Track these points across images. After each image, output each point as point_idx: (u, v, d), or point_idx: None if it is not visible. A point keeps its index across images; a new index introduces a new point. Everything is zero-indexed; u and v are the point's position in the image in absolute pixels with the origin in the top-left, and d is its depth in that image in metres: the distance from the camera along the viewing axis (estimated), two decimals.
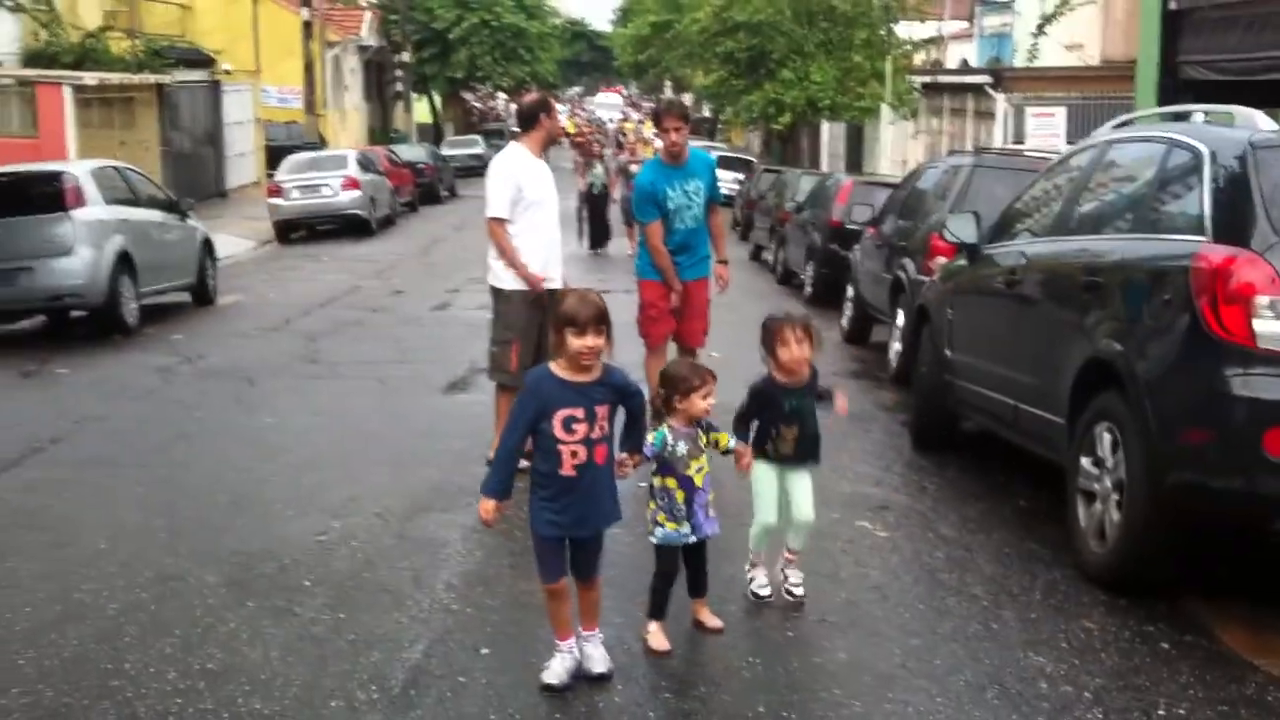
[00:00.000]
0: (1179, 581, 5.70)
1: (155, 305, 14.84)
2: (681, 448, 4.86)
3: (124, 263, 13.58)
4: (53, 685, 4.68)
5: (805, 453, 5.37)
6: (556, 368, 4.55)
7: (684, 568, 5.05)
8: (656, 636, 4.94)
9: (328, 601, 5.51)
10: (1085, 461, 6.02)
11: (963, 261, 8.27)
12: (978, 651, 5.02)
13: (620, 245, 21.45)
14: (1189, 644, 5.16)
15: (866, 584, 5.80)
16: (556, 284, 7.57)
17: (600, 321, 4.46)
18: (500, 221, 7.45)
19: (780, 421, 5.31)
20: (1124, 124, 7.34)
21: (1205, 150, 5.81)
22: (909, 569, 6.03)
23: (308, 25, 33.24)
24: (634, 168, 20.08)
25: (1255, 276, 5.19)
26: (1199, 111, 6.68)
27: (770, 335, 5.28)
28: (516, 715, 4.38)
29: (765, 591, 5.47)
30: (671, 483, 4.87)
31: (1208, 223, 5.55)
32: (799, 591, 5.45)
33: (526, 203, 7.48)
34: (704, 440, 4.93)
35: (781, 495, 5.37)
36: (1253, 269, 5.21)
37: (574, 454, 4.46)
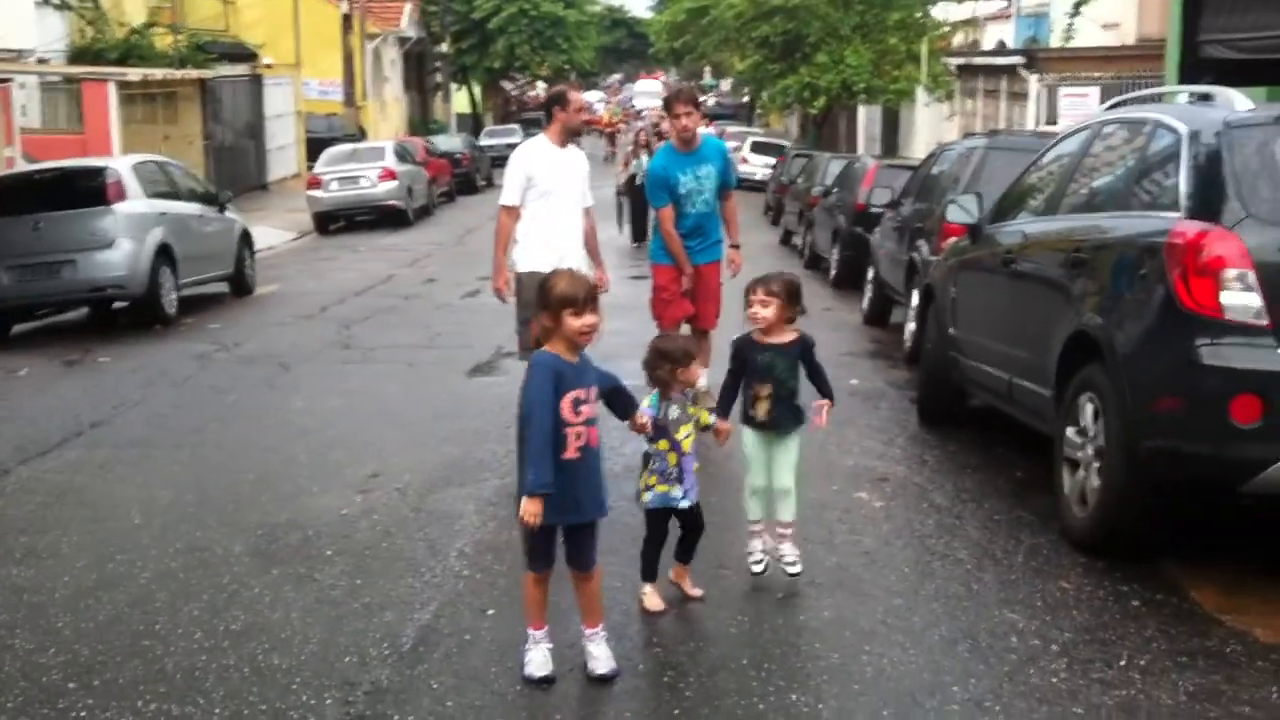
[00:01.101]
0: (1158, 545, 5.93)
1: (194, 295, 15.31)
2: (674, 411, 5.12)
3: (164, 254, 14.04)
4: (88, 645, 5.05)
5: (784, 416, 5.47)
6: (555, 349, 4.53)
7: (680, 531, 5.31)
8: (651, 598, 5.24)
9: (346, 569, 5.85)
10: (1070, 431, 6.26)
11: (967, 241, 8.51)
12: (955, 610, 5.30)
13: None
14: (1159, 602, 5.40)
15: (858, 550, 6.07)
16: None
17: (594, 299, 4.56)
18: (509, 209, 7.57)
19: (754, 378, 5.48)
20: (1116, 105, 7.55)
21: (1184, 130, 6.02)
22: (899, 535, 6.30)
23: (347, 18, 33.72)
24: None
25: (1225, 250, 5.41)
26: (1184, 92, 6.88)
27: (746, 294, 5.55)
28: (516, 669, 4.69)
29: (759, 568, 5.57)
30: (664, 445, 5.12)
31: (1183, 200, 5.77)
32: (794, 570, 5.53)
33: (539, 191, 7.54)
34: (691, 409, 5.21)
35: (768, 462, 5.61)
36: (1222, 243, 5.43)
37: (578, 436, 4.47)
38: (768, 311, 5.43)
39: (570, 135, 7.79)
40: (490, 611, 5.27)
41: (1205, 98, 6.50)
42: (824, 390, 5.58)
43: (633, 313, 10.02)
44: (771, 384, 5.46)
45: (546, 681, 4.57)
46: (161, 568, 5.94)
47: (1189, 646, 4.94)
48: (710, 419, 5.33)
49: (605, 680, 4.59)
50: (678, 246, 8.47)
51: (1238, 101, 6.10)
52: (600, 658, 4.64)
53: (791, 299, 5.48)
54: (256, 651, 4.92)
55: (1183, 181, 5.83)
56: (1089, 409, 6.06)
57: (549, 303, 4.52)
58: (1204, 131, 5.90)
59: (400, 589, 5.58)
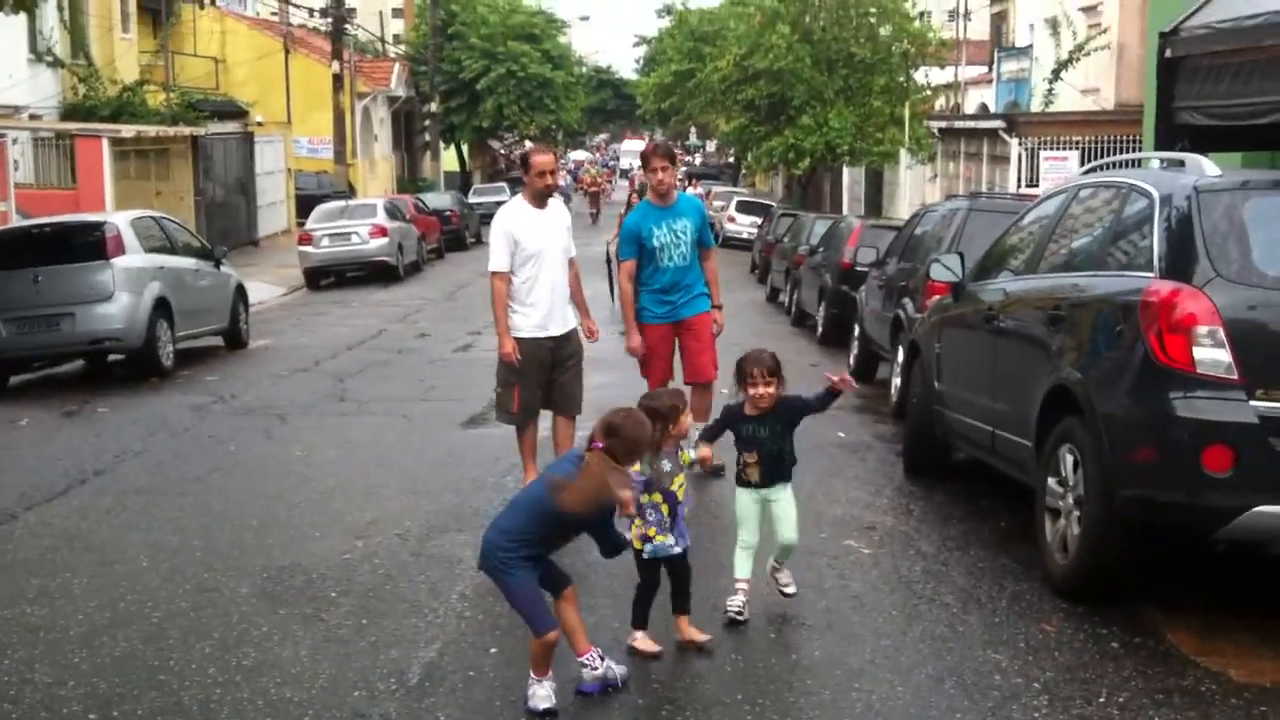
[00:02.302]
0: (1136, 590, 6.16)
1: (190, 348, 15.50)
2: (666, 465, 5.35)
3: (161, 308, 14.26)
4: (105, 679, 5.23)
5: (772, 474, 5.81)
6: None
7: (670, 582, 5.48)
8: (644, 641, 5.42)
9: (351, 610, 6.05)
10: (1051, 481, 6.50)
11: (950, 299, 8.78)
12: (941, 650, 5.51)
13: None
14: (1137, 644, 5.62)
15: (846, 594, 6.29)
16: (561, 331, 7.92)
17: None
18: (501, 275, 7.75)
19: (741, 446, 5.84)
20: (1092, 169, 7.86)
21: (1156, 194, 6.32)
22: (887, 581, 6.52)
23: (338, 78, 34.06)
24: None
25: (1196, 309, 5.69)
26: (1156, 158, 7.19)
27: (741, 373, 5.83)
28: (520, 703, 4.88)
29: (739, 614, 5.72)
30: (657, 497, 5.34)
31: (1156, 260, 6.06)
32: (790, 590, 5.92)
33: (525, 254, 7.74)
34: (685, 458, 5.43)
35: (766, 521, 5.86)
36: (1194, 302, 5.71)
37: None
38: (771, 390, 5.74)
39: (541, 196, 7.90)
40: (493, 650, 5.47)
41: (1177, 163, 6.80)
42: (825, 402, 5.91)
43: (619, 367, 10.27)
44: (758, 451, 5.80)
45: (550, 715, 4.77)
46: (172, 608, 6.12)
47: (1165, 685, 5.16)
48: (691, 454, 5.59)
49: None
50: (629, 308, 8.62)
51: (1207, 167, 6.40)
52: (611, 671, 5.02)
53: (780, 372, 5.83)
54: (269, 685, 5.11)
55: (1156, 243, 6.11)
56: (1069, 460, 6.30)
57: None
58: (1175, 195, 6.19)
59: (404, 628, 5.78)
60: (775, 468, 5.83)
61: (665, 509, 5.35)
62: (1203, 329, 5.64)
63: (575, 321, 8.15)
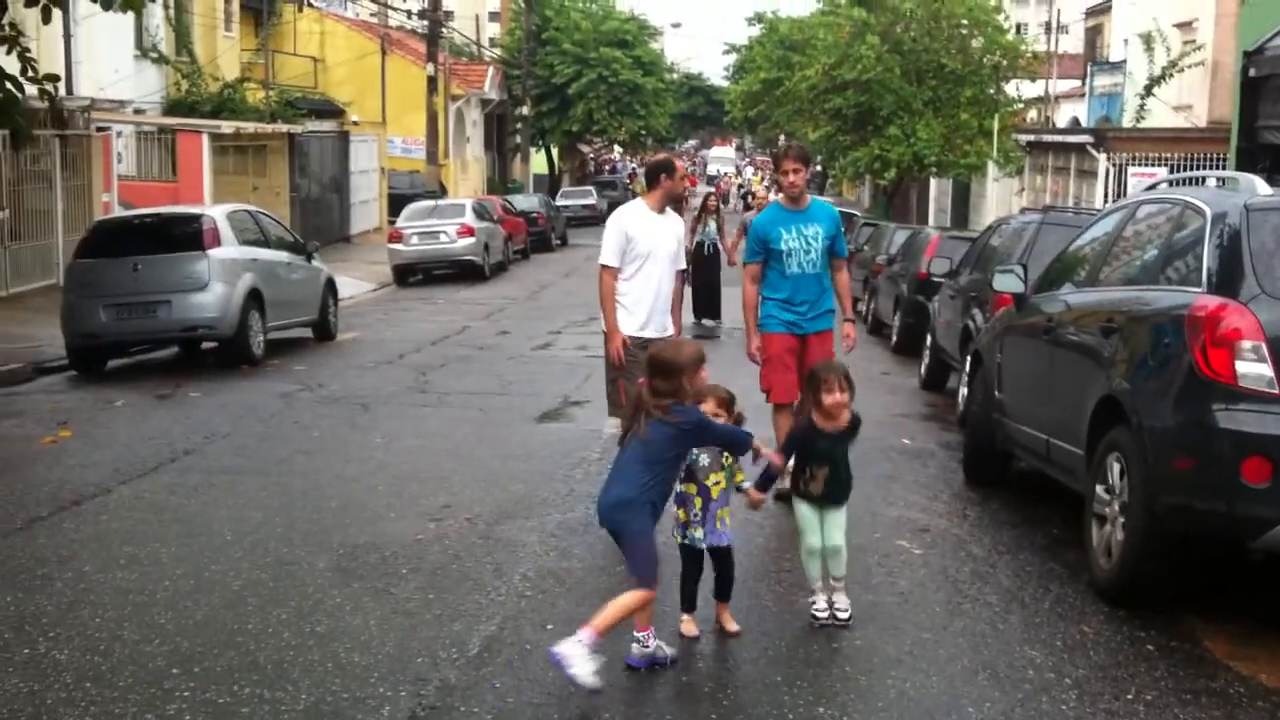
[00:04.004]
0: (1178, 596, 6.31)
1: (280, 339, 16.04)
2: (704, 459, 5.57)
3: (254, 299, 14.80)
4: (187, 639, 5.62)
5: (834, 493, 5.91)
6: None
7: (714, 572, 5.73)
8: (687, 624, 5.69)
9: (420, 585, 6.39)
10: (1099, 489, 6.68)
11: (1014, 310, 8.96)
12: (979, 645, 5.72)
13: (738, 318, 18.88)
14: (1173, 648, 5.79)
15: (893, 590, 6.52)
16: (656, 335, 7.76)
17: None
18: (609, 269, 7.84)
19: (813, 462, 5.90)
20: (1152, 187, 8.01)
21: (1209, 212, 6.49)
22: (934, 580, 6.74)
23: (432, 80, 34.75)
24: None
25: (1241, 324, 5.85)
26: (1213, 177, 7.34)
27: (816, 383, 5.94)
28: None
29: (823, 615, 5.90)
30: (692, 489, 5.58)
31: (1206, 276, 6.23)
32: (844, 615, 5.94)
33: (635, 254, 7.84)
34: (727, 460, 5.62)
35: (821, 524, 5.97)
36: (1239, 317, 5.87)
37: None
38: (846, 398, 5.88)
39: (672, 202, 8.09)
40: (550, 626, 5.78)
41: (1233, 182, 6.95)
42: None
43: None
44: (829, 467, 5.88)
45: (594, 692, 5.00)
46: (252, 577, 6.51)
47: (1195, 686, 5.33)
48: (746, 483, 5.76)
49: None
50: (750, 315, 8.34)
51: (1260, 186, 6.56)
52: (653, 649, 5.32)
53: (853, 386, 5.97)
54: (339, 650, 5.46)
55: (1206, 259, 6.28)
56: (1116, 467, 6.48)
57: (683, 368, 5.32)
58: (1225, 213, 6.36)
59: (468, 604, 6.11)
60: (841, 488, 5.94)
61: (699, 503, 5.57)
62: (1247, 344, 5.80)
63: (670, 330, 8.06)
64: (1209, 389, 5.85)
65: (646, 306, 7.90)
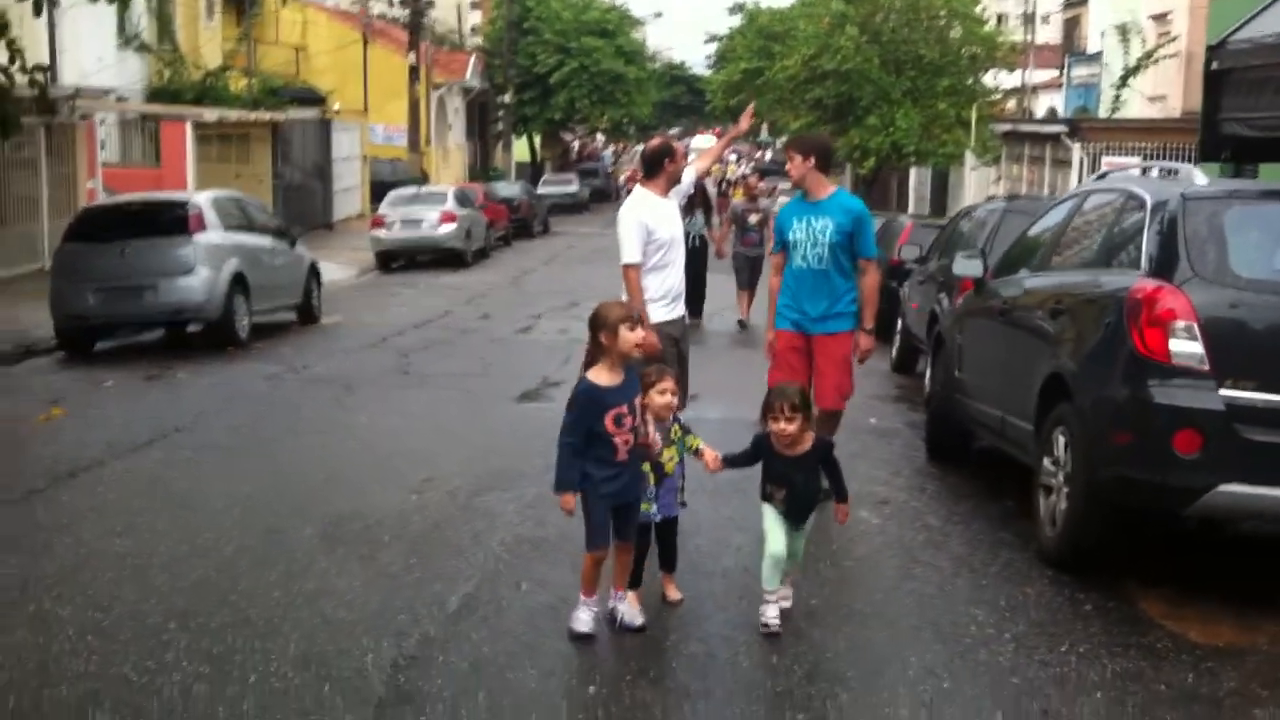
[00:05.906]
0: (1120, 563, 6.70)
1: (265, 323, 16.35)
2: (657, 435, 5.76)
3: (238, 283, 15.12)
4: (183, 598, 5.98)
5: (792, 514, 5.77)
6: (596, 376, 5.44)
7: (657, 544, 5.98)
8: (630, 600, 5.77)
9: (402, 551, 6.76)
10: (1046, 461, 7.06)
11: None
12: (926, 605, 6.11)
13: (727, 315, 17.83)
14: (1110, 608, 6.18)
15: (850, 555, 6.91)
16: (680, 314, 7.70)
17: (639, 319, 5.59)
18: (635, 267, 7.38)
19: (770, 480, 5.79)
20: (1101, 176, 8.39)
21: (1150, 200, 6.88)
22: (890, 547, 7.13)
23: (414, 68, 35.01)
24: (753, 217, 17.76)
25: (1174, 305, 6.23)
26: (1155, 167, 7.73)
27: (767, 408, 5.76)
28: (541, 628, 5.57)
29: (774, 624, 5.65)
30: (646, 467, 5.76)
31: (1145, 260, 6.61)
32: (784, 605, 5.82)
33: (657, 244, 7.47)
34: (676, 433, 5.85)
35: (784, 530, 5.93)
36: (1172, 298, 6.26)
37: (625, 443, 5.43)
38: (792, 428, 5.66)
39: (672, 184, 7.81)
40: (524, 586, 6.16)
41: (1172, 173, 7.34)
42: (839, 490, 5.84)
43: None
44: (786, 490, 5.73)
45: (587, 639, 5.45)
46: (243, 544, 6.88)
47: (1126, 641, 5.72)
48: (702, 445, 5.86)
49: (636, 630, 5.57)
50: (772, 299, 8.00)
51: (1197, 177, 6.95)
52: (629, 613, 5.62)
53: (809, 410, 5.84)
54: (325, 608, 5.84)
55: (1145, 244, 6.67)
56: (1061, 441, 6.87)
57: (607, 322, 5.43)
58: (1167, 203, 6.75)
59: (447, 568, 6.48)
60: (800, 511, 5.80)
61: (653, 479, 5.79)
62: (1180, 323, 6.19)
63: (682, 310, 7.85)
64: (1145, 366, 6.24)
65: (674, 292, 7.62)
